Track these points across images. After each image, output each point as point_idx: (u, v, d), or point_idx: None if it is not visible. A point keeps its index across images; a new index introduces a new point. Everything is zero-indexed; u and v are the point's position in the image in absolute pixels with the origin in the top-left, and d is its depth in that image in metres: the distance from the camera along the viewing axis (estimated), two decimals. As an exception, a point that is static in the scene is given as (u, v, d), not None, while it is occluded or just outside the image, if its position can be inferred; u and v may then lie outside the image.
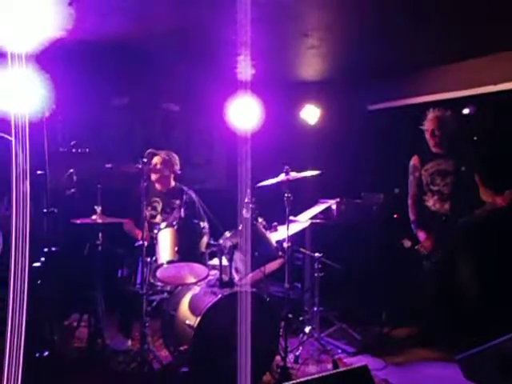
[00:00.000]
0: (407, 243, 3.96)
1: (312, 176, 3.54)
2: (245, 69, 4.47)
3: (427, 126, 3.89)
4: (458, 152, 3.87)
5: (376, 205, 4.80)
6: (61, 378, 2.98)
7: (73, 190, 3.17)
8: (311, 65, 4.80)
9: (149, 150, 3.69)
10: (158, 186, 4.05)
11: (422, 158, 3.97)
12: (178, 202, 3.87)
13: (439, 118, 3.85)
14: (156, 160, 3.97)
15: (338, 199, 4.73)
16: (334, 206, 4.74)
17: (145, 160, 3.35)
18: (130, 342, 3.69)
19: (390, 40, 3.91)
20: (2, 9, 3.21)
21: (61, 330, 3.47)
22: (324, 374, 2.01)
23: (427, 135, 3.90)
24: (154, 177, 4.00)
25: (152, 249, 3.37)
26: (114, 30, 3.63)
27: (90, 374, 3.20)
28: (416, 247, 3.89)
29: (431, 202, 3.90)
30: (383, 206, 4.67)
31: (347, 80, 5.17)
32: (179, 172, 4.09)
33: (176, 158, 4.10)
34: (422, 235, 3.85)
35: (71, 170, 3.07)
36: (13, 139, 1.88)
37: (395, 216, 4.43)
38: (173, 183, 4.11)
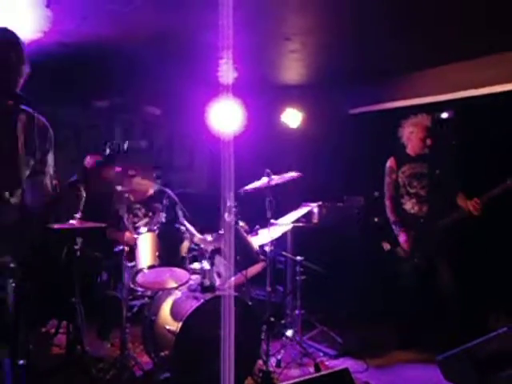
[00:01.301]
0: (386, 246, 4.00)
1: (293, 178, 3.55)
2: (227, 72, 4.45)
3: (415, 131, 3.93)
4: (433, 156, 3.94)
5: (357, 208, 4.84)
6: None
7: (55, 182, 3.10)
8: (293, 68, 4.83)
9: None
10: (133, 198, 3.96)
11: (398, 160, 4.02)
12: (159, 204, 3.83)
13: (430, 125, 3.92)
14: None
15: (319, 203, 4.74)
16: (315, 210, 4.76)
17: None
18: (109, 348, 3.63)
19: (369, 45, 3.96)
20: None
21: (38, 338, 3.40)
22: (306, 377, 2.01)
23: (412, 139, 3.95)
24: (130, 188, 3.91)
25: (132, 254, 3.33)
26: (93, 32, 3.58)
27: (69, 382, 3.14)
28: (395, 250, 3.93)
29: (409, 205, 3.94)
30: (364, 210, 4.71)
31: (328, 84, 5.21)
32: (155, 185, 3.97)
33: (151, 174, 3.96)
34: (402, 237, 3.88)
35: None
36: None
37: (376, 219, 4.47)
38: (150, 193, 4.01)
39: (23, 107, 1.92)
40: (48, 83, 3.81)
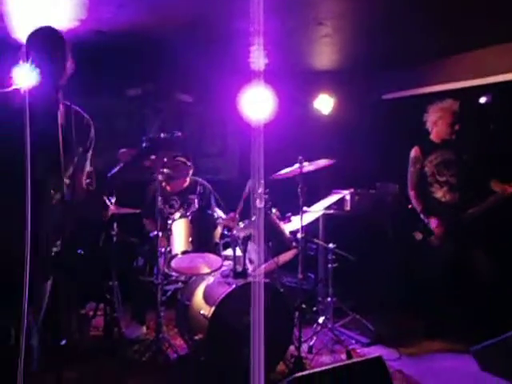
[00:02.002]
0: (418, 236, 3.93)
1: (325, 165, 3.52)
2: (258, 59, 4.43)
3: (444, 117, 3.84)
4: (460, 141, 3.85)
5: (391, 195, 4.76)
6: (77, 366, 3.03)
7: (88, 181, 3.18)
8: (325, 54, 4.75)
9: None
10: (171, 187, 4.03)
11: (423, 148, 3.94)
12: (195, 196, 3.90)
13: (458, 110, 3.83)
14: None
15: (351, 190, 4.70)
16: (347, 197, 4.71)
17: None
18: (144, 331, 3.74)
19: (404, 28, 3.85)
20: (18, 3, 3.23)
21: (77, 319, 3.52)
22: (339, 364, 2.02)
23: (439, 124, 3.86)
24: (167, 179, 3.97)
25: (167, 239, 3.39)
26: (127, 20, 3.62)
27: (106, 363, 3.25)
28: (428, 239, 3.86)
29: (440, 193, 3.87)
30: (398, 197, 4.64)
31: (361, 69, 5.11)
32: (190, 176, 4.03)
33: (189, 166, 4.00)
34: (433, 222, 3.82)
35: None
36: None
37: (409, 206, 4.40)
38: (187, 183, 4.08)
39: (65, 103, 1.97)
40: (83, 73, 3.89)
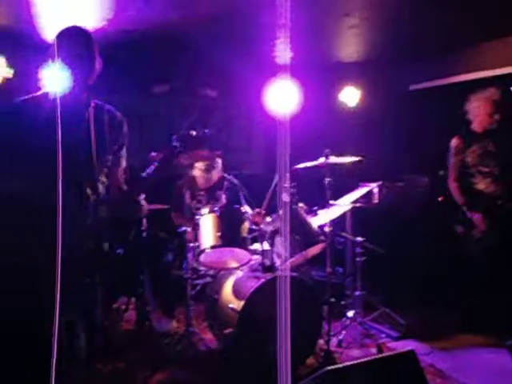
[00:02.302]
0: (460, 229, 3.84)
1: (353, 162, 3.48)
2: (283, 52, 4.42)
3: (483, 106, 3.74)
4: (502, 131, 3.73)
5: (419, 187, 4.68)
6: (109, 360, 3.09)
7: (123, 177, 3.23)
8: (351, 45, 4.70)
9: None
10: (201, 182, 4.06)
11: (464, 138, 3.83)
12: (221, 192, 3.93)
13: (498, 99, 3.71)
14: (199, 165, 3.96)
15: (379, 182, 4.64)
16: (375, 190, 4.65)
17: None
18: (174, 325, 3.79)
19: (431, 17, 3.76)
20: (46, 4, 3.30)
21: (110, 313, 3.60)
22: (371, 358, 2.01)
23: (479, 114, 3.76)
24: (198, 177, 4.01)
25: (195, 234, 3.43)
26: (153, 18, 3.66)
27: (138, 356, 3.31)
28: (470, 232, 3.76)
29: (483, 185, 3.76)
30: (427, 189, 4.56)
31: (388, 59, 5.03)
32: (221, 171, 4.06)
33: (218, 162, 4.03)
34: (477, 217, 3.72)
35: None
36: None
37: (440, 199, 4.31)
38: (216, 178, 4.11)
39: (97, 102, 1.99)
40: (111, 72, 3.95)
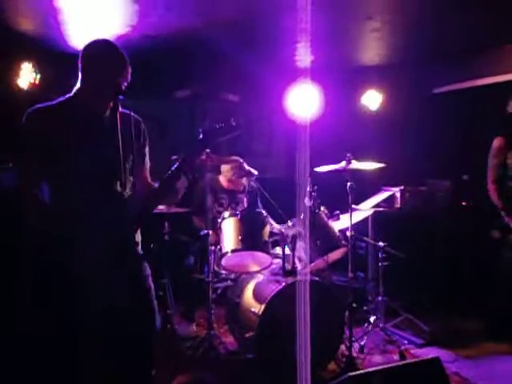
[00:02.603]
0: (496, 234, 3.73)
1: (376, 168, 3.45)
2: (304, 56, 4.42)
3: None
4: None
5: (442, 192, 4.62)
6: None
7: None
8: (373, 48, 4.66)
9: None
10: (228, 186, 4.06)
11: (508, 140, 3.70)
12: (243, 195, 3.93)
13: None
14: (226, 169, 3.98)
15: (401, 187, 4.59)
16: (397, 194, 4.61)
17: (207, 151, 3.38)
18: (195, 328, 3.81)
19: (455, 18, 3.71)
20: (71, 10, 3.38)
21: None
22: (394, 364, 1.98)
23: None
24: (224, 180, 4.03)
25: (217, 237, 3.44)
26: (176, 23, 3.71)
27: (159, 359, 3.33)
28: (508, 237, 3.65)
29: None
30: (450, 193, 4.49)
31: (410, 62, 4.97)
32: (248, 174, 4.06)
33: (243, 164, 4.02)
34: None
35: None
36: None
37: (463, 203, 4.25)
38: (243, 184, 4.11)
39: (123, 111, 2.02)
40: (133, 76, 4.01)
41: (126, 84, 1.94)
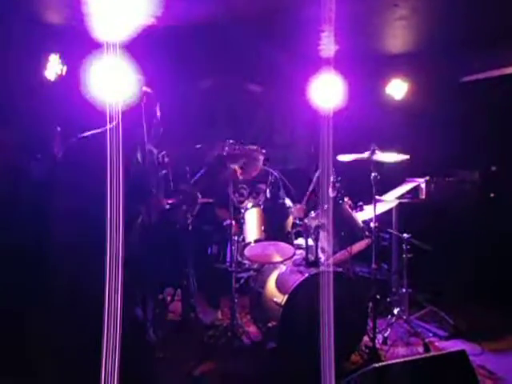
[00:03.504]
0: None
1: (400, 160, 3.40)
2: (328, 45, 4.36)
3: None
4: None
5: (469, 183, 4.53)
6: (155, 349, 3.17)
7: (165, 171, 3.31)
8: (399, 37, 4.57)
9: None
10: (241, 176, 4.07)
11: None
12: (263, 185, 3.92)
13: None
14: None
15: (427, 178, 4.52)
16: (422, 185, 4.54)
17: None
18: (219, 316, 3.84)
19: (489, 2, 3.59)
20: (96, 2, 3.40)
21: (156, 304, 3.69)
22: (419, 356, 1.97)
23: None
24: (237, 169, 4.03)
25: (240, 228, 3.45)
26: (200, 13, 3.70)
27: (183, 347, 3.39)
28: None
29: None
30: (478, 185, 4.39)
31: (438, 51, 4.85)
32: (262, 164, 4.05)
33: (258, 155, 3.99)
34: None
35: (163, 152, 3.21)
36: (108, 128, 2.00)
37: (492, 195, 4.15)
38: (258, 171, 4.11)
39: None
40: (158, 67, 4.04)
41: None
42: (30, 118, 3.78)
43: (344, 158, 3.38)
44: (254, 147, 3.92)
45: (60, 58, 4.17)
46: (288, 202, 3.73)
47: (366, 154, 3.35)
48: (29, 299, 2.85)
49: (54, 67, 4.16)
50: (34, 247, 2.85)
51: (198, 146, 3.28)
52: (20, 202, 3.20)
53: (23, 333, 2.77)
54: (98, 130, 2.05)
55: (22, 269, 2.92)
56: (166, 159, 3.27)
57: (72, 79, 4.17)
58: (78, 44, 4.26)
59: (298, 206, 3.57)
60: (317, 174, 3.55)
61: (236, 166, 3.97)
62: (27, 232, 2.95)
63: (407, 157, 3.34)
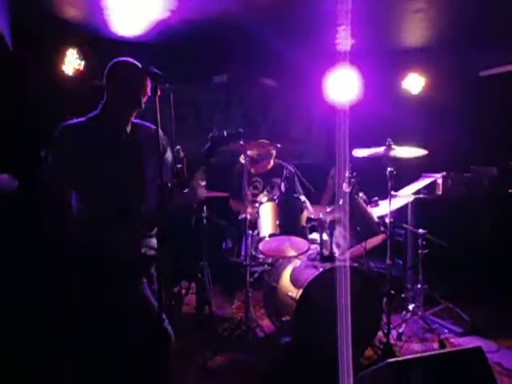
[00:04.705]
0: None
1: (417, 156, 3.36)
2: (344, 39, 4.32)
3: None
4: None
5: (487, 179, 4.46)
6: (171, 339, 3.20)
7: (179, 165, 3.32)
8: (416, 30, 4.51)
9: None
10: (254, 169, 4.09)
11: None
12: (278, 179, 3.92)
13: None
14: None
15: (444, 173, 4.47)
16: (439, 181, 4.49)
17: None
18: (234, 310, 3.87)
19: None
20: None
21: (171, 296, 3.73)
22: (434, 352, 1.96)
23: None
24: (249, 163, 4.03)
25: (254, 222, 3.46)
26: (216, 7, 3.70)
27: (198, 339, 3.41)
28: None
29: None
30: (496, 180, 4.33)
31: (456, 44, 4.78)
32: (274, 159, 4.05)
33: (271, 150, 3.98)
34: None
35: (178, 147, 3.22)
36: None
37: (510, 191, 4.09)
38: (270, 165, 4.11)
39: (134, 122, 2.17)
40: (171, 61, 4.05)
41: (145, 98, 2.08)
42: (49, 112, 3.83)
43: (360, 152, 3.35)
44: (267, 141, 3.93)
45: (78, 52, 4.21)
46: (303, 197, 3.73)
47: (381, 149, 3.32)
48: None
49: (71, 62, 4.20)
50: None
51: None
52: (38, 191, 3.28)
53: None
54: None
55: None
56: (182, 154, 3.27)
57: (89, 74, 4.23)
58: (96, 38, 4.32)
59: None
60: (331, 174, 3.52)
61: (249, 159, 3.98)
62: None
63: (425, 152, 3.30)
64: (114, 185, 2.02)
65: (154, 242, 2.15)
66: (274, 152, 4.04)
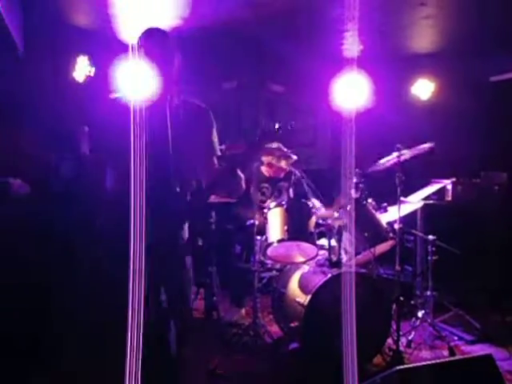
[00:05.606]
0: None
1: (425, 151, 3.34)
2: (352, 45, 4.34)
3: None
4: None
5: (498, 185, 4.43)
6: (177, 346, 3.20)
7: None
8: (425, 36, 4.51)
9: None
10: (268, 173, 4.07)
11: None
12: (286, 184, 3.92)
13: None
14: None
15: (453, 179, 4.44)
16: (449, 186, 4.47)
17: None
18: (243, 315, 3.86)
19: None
20: (124, 4, 3.47)
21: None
22: (444, 360, 1.94)
23: None
24: (265, 166, 4.04)
25: (262, 227, 3.46)
26: (225, 14, 3.73)
27: (206, 344, 3.41)
28: None
29: None
30: (507, 187, 4.30)
31: (465, 50, 4.77)
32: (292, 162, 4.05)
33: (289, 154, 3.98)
34: None
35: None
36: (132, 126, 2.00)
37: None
38: (287, 170, 4.11)
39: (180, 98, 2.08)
40: (182, 67, 4.08)
41: (177, 72, 2.00)
42: (59, 118, 3.88)
43: (376, 166, 3.35)
44: (283, 148, 3.91)
45: (88, 59, 4.26)
46: (316, 202, 3.70)
47: (393, 155, 3.31)
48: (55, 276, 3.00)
49: (82, 69, 4.25)
50: (62, 233, 2.99)
51: (221, 146, 3.29)
52: (50, 196, 3.31)
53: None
54: None
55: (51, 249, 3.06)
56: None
57: (100, 80, 4.27)
58: (106, 46, 4.37)
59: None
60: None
61: (263, 165, 4.00)
62: (56, 221, 3.09)
63: (430, 145, 3.29)
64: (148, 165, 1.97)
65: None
66: (294, 157, 4.01)
